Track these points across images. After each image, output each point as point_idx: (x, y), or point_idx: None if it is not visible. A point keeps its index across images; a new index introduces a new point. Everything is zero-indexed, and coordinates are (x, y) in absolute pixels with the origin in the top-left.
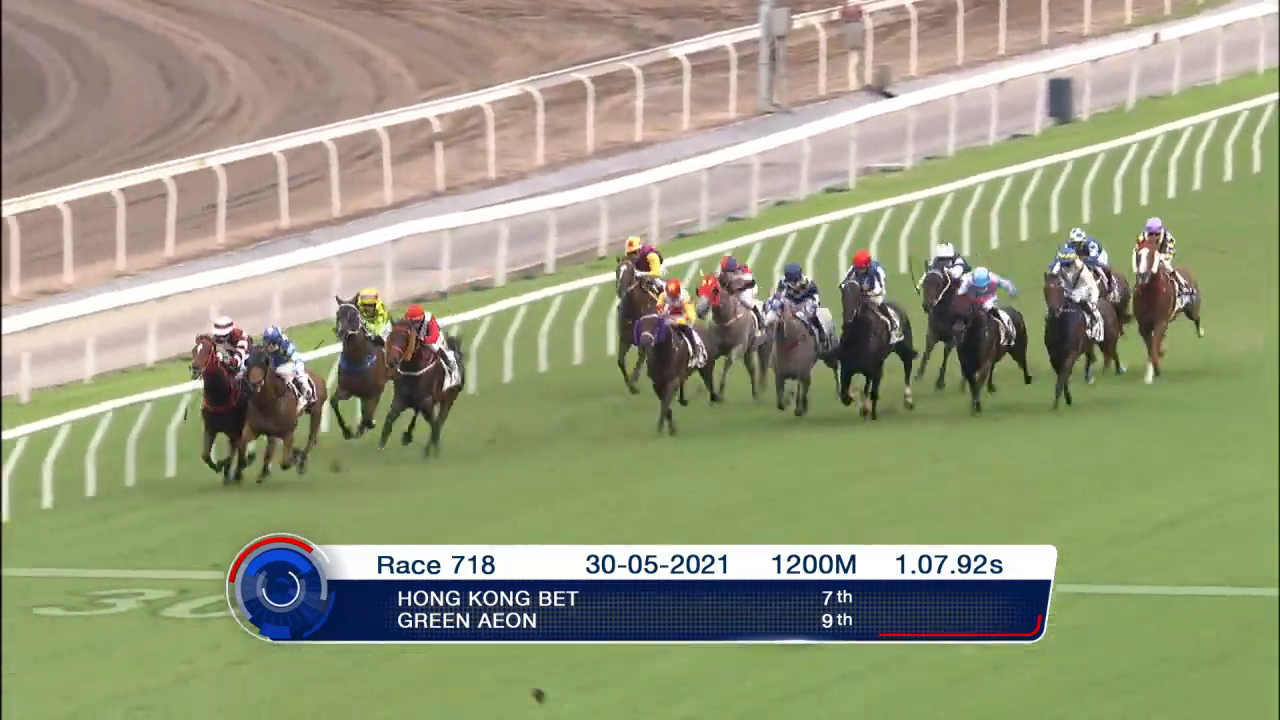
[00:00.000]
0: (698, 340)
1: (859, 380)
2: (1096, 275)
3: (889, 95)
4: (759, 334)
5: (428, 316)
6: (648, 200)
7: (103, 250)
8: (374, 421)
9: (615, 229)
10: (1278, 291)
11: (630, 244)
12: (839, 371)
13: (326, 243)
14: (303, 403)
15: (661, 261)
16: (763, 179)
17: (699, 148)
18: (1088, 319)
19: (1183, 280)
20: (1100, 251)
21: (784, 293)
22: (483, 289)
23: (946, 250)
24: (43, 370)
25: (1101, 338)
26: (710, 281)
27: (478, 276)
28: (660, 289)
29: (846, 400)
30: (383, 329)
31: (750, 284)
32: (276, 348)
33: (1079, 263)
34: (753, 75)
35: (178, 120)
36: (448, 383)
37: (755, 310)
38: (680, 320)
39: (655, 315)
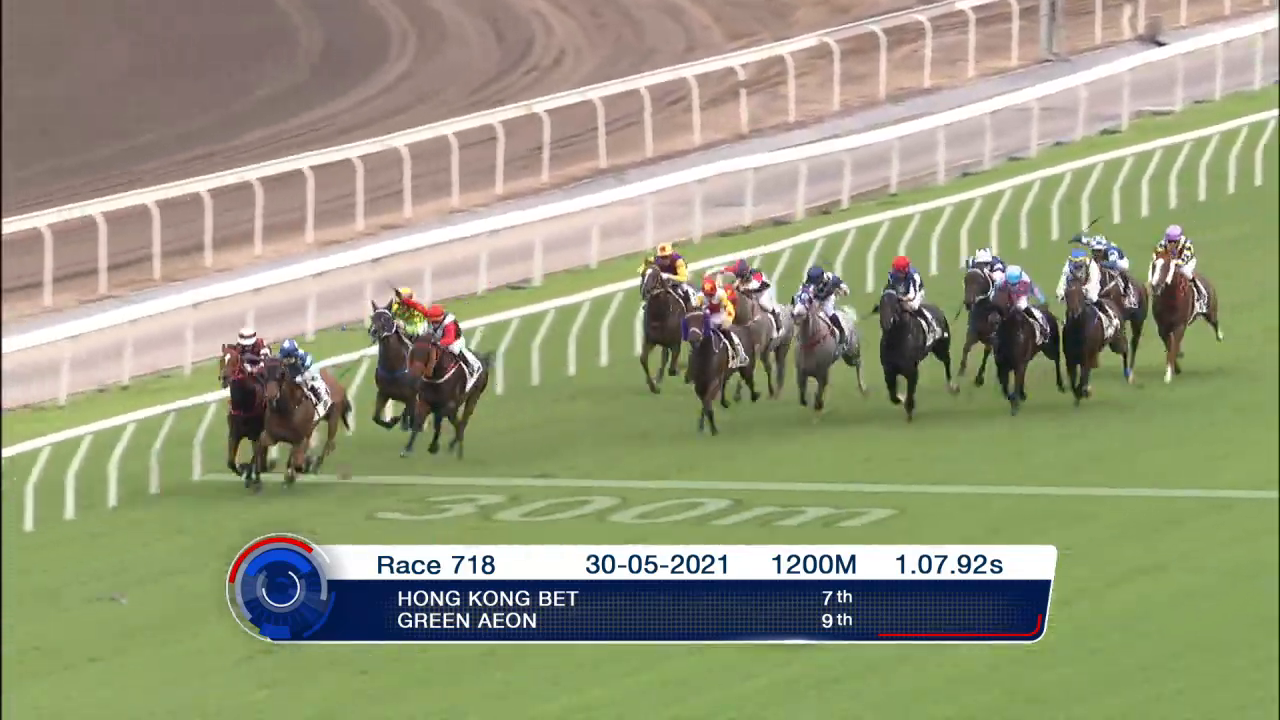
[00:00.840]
0: (737, 341)
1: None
2: (1111, 279)
3: (1160, 44)
4: (776, 335)
5: (448, 318)
6: (934, 142)
7: (439, 188)
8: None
9: (905, 169)
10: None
11: (662, 249)
12: (885, 373)
13: (640, 181)
14: (320, 411)
15: (686, 267)
16: (1042, 122)
17: (983, 93)
18: (1104, 319)
19: (1201, 286)
20: (1121, 258)
21: (811, 288)
22: (783, 224)
23: (985, 255)
24: (385, 296)
25: (1112, 334)
26: (727, 290)
27: (779, 213)
28: (686, 294)
29: (896, 400)
30: (420, 328)
31: (766, 286)
32: (293, 360)
33: (1090, 264)
34: (1033, 26)
35: (507, 70)
36: (470, 382)
37: (774, 313)
38: (721, 319)
39: (702, 312)
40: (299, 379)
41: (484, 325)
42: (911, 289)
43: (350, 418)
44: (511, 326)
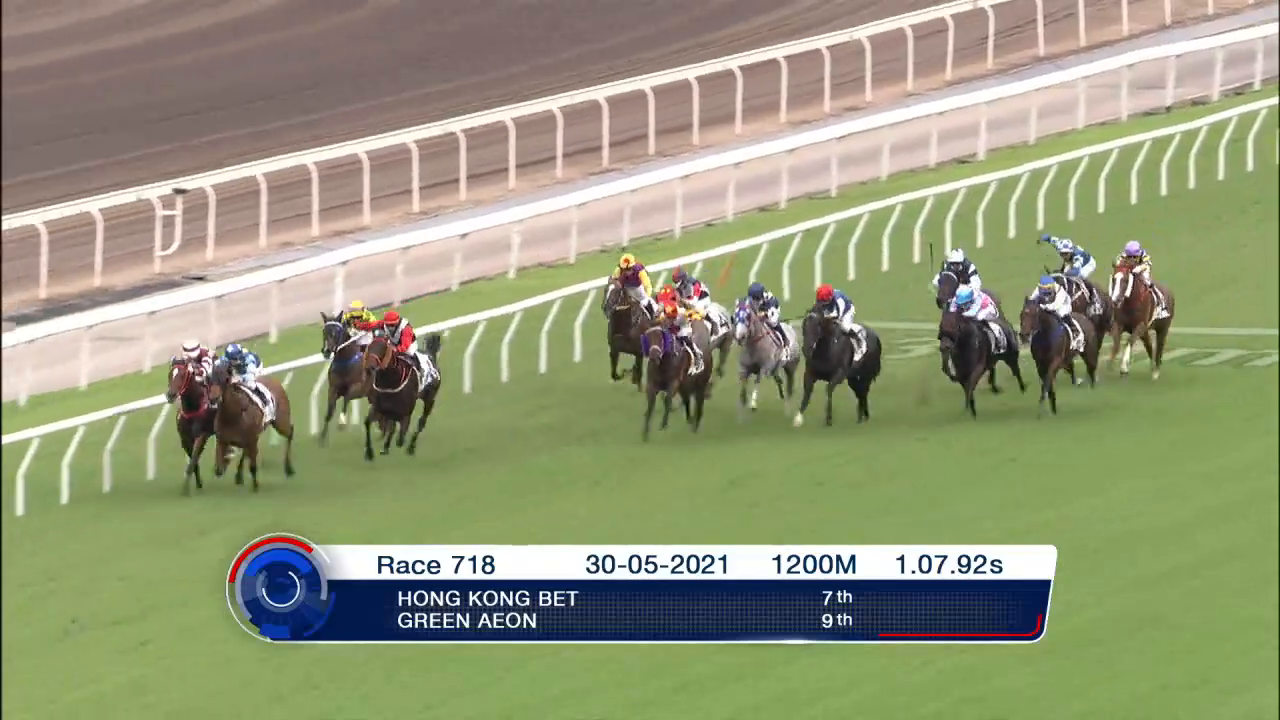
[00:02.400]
0: (697, 350)
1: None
2: (1076, 288)
3: None
4: (713, 339)
5: (403, 323)
6: None
7: (895, 75)
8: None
9: (1270, 65)
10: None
11: (625, 260)
12: (805, 379)
13: (1073, 68)
14: (267, 416)
15: (649, 279)
16: None
17: None
18: (1070, 331)
19: (1160, 294)
20: (1086, 263)
21: (749, 302)
22: (1201, 104)
23: (957, 255)
24: (846, 171)
25: (1083, 349)
26: (667, 290)
27: (1198, 94)
28: (650, 306)
29: (786, 393)
30: (364, 339)
31: (705, 294)
32: (239, 361)
33: (1056, 288)
34: None
35: None
36: (421, 385)
37: (708, 318)
38: (685, 334)
39: (659, 328)
40: (244, 378)
41: (934, 195)
42: (837, 312)
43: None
44: (959, 196)
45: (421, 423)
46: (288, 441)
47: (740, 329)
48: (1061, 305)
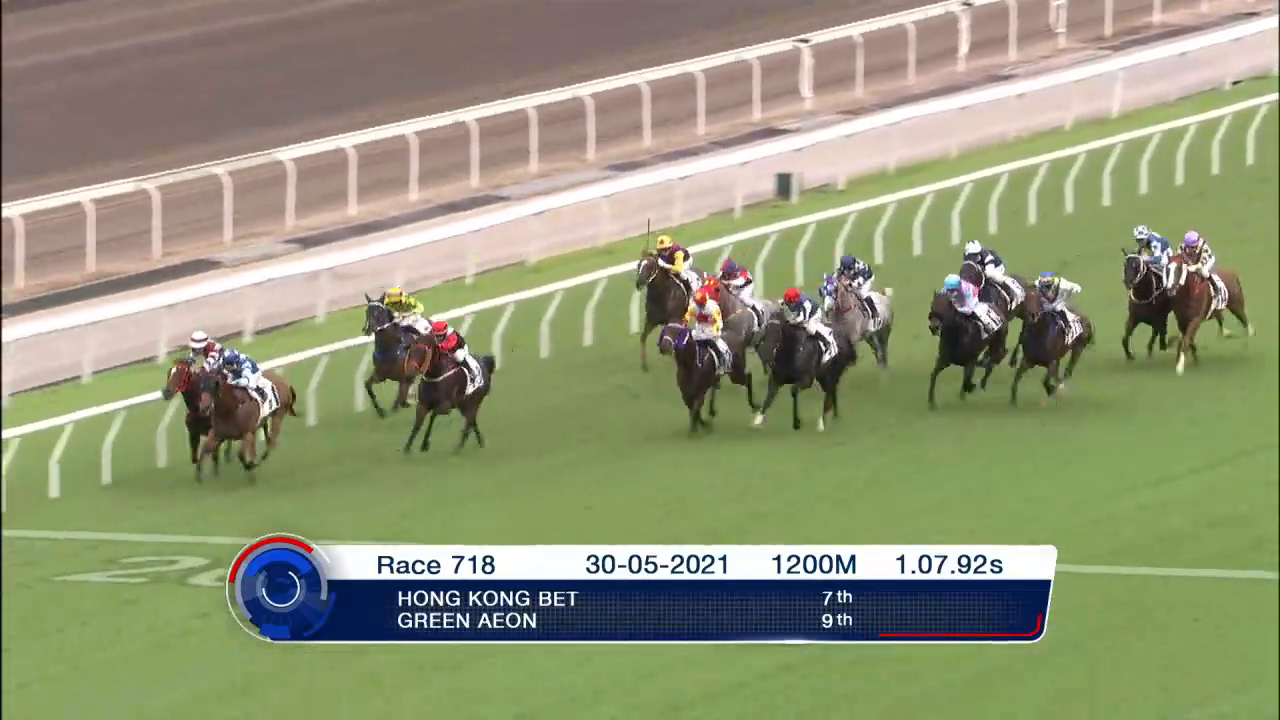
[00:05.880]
0: (723, 349)
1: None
2: (1139, 270)
3: None
4: (757, 329)
5: (449, 330)
6: None
7: None
8: (408, 401)
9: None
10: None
11: (661, 241)
12: (772, 380)
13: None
14: (265, 409)
15: (687, 258)
16: None
17: None
18: (1064, 325)
19: (1219, 283)
20: (1164, 250)
21: (838, 276)
22: None
23: (974, 247)
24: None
25: (1082, 334)
26: (712, 281)
27: None
28: (687, 282)
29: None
30: (413, 315)
31: (750, 282)
32: (234, 366)
33: (1056, 281)
34: None
35: None
36: (470, 388)
37: (754, 308)
38: (708, 332)
39: (679, 325)
40: (240, 381)
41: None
42: (803, 314)
43: (297, 410)
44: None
45: (471, 424)
46: (284, 418)
47: (828, 301)
48: (1058, 300)
